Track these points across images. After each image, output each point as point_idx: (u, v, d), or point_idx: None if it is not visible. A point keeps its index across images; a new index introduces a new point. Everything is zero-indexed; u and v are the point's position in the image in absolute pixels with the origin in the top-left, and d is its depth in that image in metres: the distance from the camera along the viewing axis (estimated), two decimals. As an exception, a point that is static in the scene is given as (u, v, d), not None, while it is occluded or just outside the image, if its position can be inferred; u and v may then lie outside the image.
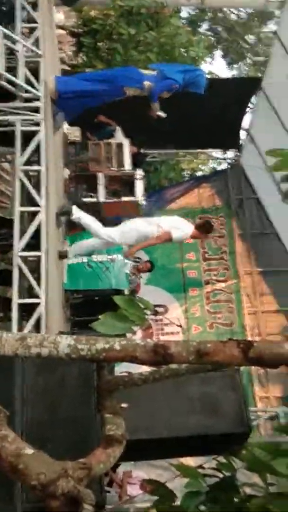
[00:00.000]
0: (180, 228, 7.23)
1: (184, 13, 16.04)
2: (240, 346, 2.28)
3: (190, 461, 5.59)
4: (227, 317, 10.51)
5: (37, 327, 5.12)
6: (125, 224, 7.38)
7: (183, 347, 2.33)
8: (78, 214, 7.18)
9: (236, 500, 2.44)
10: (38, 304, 5.15)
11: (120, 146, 8.98)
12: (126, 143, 9.00)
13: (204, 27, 17.58)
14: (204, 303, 10.56)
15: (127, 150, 8.96)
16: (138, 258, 10.45)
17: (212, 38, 17.64)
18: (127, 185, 8.84)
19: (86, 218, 7.26)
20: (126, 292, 7.93)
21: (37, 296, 5.20)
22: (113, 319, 2.57)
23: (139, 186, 8.72)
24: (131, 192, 8.75)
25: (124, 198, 8.69)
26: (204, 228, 7.53)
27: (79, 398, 3.22)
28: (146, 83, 6.86)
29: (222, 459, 2.73)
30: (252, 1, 15.00)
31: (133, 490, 7.13)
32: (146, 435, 3.46)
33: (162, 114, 7.27)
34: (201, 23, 16.90)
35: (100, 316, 2.59)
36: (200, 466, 2.67)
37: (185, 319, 10.32)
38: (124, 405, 2.56)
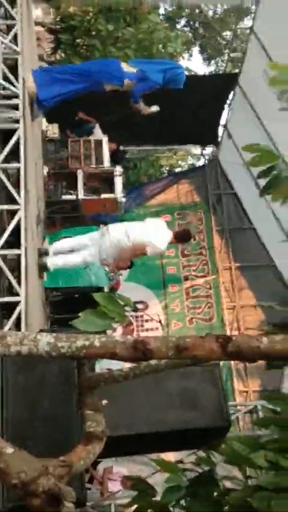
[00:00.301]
0: (159, 235, 6.85)
1: (161, 10, 16.08)
2: (218, 341, 2.30)
3: (171, 456, 5.63)
4: (207, 312, 10.58)
5: (17, 326, 5.10)
6: (98, 243, 6.98)
7: (162, 342, 2.35)
8: (52, 262, 6.92)
9: (215, 494, 2.47)
10: (18, 302, 5.13)
11: (99, 143, 8.97)
12: (105, 140, 9.00)
13: (181, 23, 17.62)
14: (184, 299, 10.61)
15: (106, 147, 8.96)
16: None
17: (190, 34, 17.69)
18: (107, 182, 8.84)
19: (60, 260, 7.00)
20: (106, 289, 7.94)
21: (17, 295, 5.18)
22: (93, 316, 2.58)
23: (118, 183, 8.72)
24: (111, 189, 8.74)
25: (104, 195, 8.68)
26: (181, 237, 7.27)
27: (60, 395, 3.24)
28: (126, 81, 6.84)
29: (201, 453, 2.76)
30: (229, -2, 15.09)
31: (114, 486, 7.15)
32: (126, 431, 3.49)
33: (154, 109, 7.27)
34: (179, 19, 16.93)
35: (80, 314, 2.60)
36: (180, 461, 2.70)
37: (165, 315, 10.36)
38: (104, 402, 2.58)
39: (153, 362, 2.49)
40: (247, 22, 12.69)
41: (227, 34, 17.32)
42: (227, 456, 2.35)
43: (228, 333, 10.24)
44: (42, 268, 6.94)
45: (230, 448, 2.31)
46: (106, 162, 8.83)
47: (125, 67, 6.94)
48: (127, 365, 2.65)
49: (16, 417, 3.23)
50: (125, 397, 3.51)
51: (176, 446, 4.16)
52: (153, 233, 6.78)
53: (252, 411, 8.47)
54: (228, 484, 2.62)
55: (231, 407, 7.33)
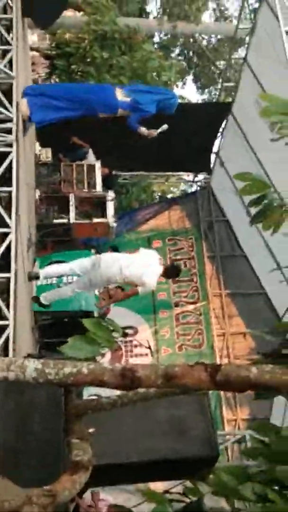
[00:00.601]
0: (150, 272, 6.68)
1: (156, 38, 16.33)
2: (207, 370, 2.29)
3: (159, 485, 5.55)
4: (196, 339, 10.53)
5: (5, 349, 5.06)
6: (89, 274, 6.88)
7: (151, 370, 2.34)
8: (45, 298, 7.01)
9: (202, 525, 2.43)
10: (6, 326, 5.10)
11: (91, 167, 9.02)
12: (97, 164, 9.05)
13: (176, 52, 17.88)
14: (174, 325, 10.57)
15: (99, 172, 9.01)
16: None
17: (184, 63, 17.93)
18: (99, 206, 8.87)
19: (51, 296, 7.08)
20: (95, 314, 7.90)
21: (5, 318, 5.15)
22: (81, 342, 2.56)
23: (110, 208, 8.76)
24: (102, 214, 8.77)
25: (95, 220, 8.70)
26: (170, 273, 7.21)
27: (47, 422, 3.19)
28: (120, 111, 7.00)
29: (189, 483, 2.72)
30: (223, 28, 15.36)
31: (101, 514, 7.02)
32: (113, 459, 3.44)
33: (162, 129, 7.31)
34: (173, 48, 17.18)
35: (68, 339, 2.58)
36: (167, 491, 2.66)
37: (155, 341, 10.31)
38: (91, 430, 2.55)
39: (141, 390, 2.47)
40: (241, 52, 12.92)
41: (221, 63, 17.58)
42: (215, 487, 2.32)
43: (217, 360, 10.20)
44: (34, 299, 6.99)
45: (218, 479, 2.27)
46: (99, 187, 8.88)
47: (119, 95, 7.02)
48: (116, 392, 2.62)
49: (1, 444, 3.18)
50: (113, 424, 3.47)
51: (164, 475, 4.10)
52: (145, 268, 6.63)
53: (240, 440, 8.39)
54: (215, 515, 2.58)
55: (220, 436, 7.26)
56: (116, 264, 6.65)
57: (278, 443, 2.31)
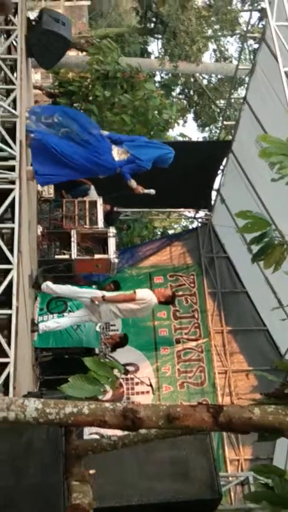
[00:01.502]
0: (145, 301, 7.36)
1: (157, 78, 16.61)
2: (210, 411, 2.27)
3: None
4: (198, 376, 10.44)
5: (5, 386, 5.01)
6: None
7: (152, 411, 2.31)
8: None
9: None
10: (7, 363, 5.05)
11: (93, 204, 9.07)
12: (99, 201, 9.11)
13: (177, 91, 18.15)
14: (175, 362, 10.49)
15: (101, 208, 9.05)
16: (113, 325, 10.37)
17: (185, 102, 18.20)
18: (100, 242, 8.89)
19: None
20: (96, 351, 7.85)
21: (6, 355, 5.10)
22: (82, 382, 2.55)
23: (112, 244, 8.77)
24: (104, 250, 8.78)
25: (97, 256, 8.71)
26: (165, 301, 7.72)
27: (47, 464, 3.14)
28: (118, 170, 7.42)
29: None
30: (223, 68, 15.64)
31: None
32: (115, 502, 3.37)
33: (149, 191, 7.73)
34: (174, 87, 17.44)
35: (69, 378, 2.56)
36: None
37: (156, 378, 10.21)
38: (92, 471, 2.51)
39: (143, 431, 2.44)
40: (241, 92, 13.13)
41: (221, 102, 17.83)
42: (218, 532, 2.27)
43: (219, 398, 10.09)
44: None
45: (221, 524, 2.23)
46: (100, 223, 8.91)
47: (116, 154, 7.37)
48: (117, 431, 2.59)
49: (0, 485, 3.13)
50: (114, 465, 3.41)
51: (165, 518, 4.01)
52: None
53: (243, 482, 8.23)
54: None
55: (222, 478, 7.13)
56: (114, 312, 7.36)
57: (282, 486, 2.28)
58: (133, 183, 7.58)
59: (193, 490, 3.54)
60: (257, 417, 2.20)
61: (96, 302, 7.23)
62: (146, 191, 7.69)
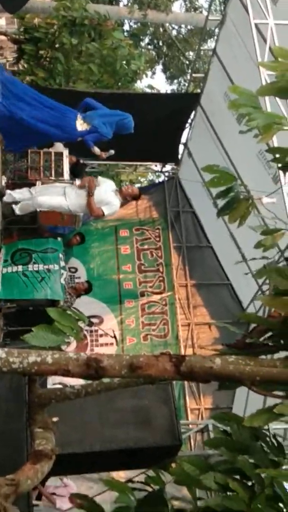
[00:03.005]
0: (109, 203, 7.75)
1: (126, 27, 16.23)
2: (172, 360, 2.31)
3: (122, 473, 5.58)
4: (161, 329, 10.58)
5: None
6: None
7: (115, 361, 2.34)
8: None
9: (164, 514, 2.45)
10: None
11: (59, 155, 8.93)
12: (65, 152, 8.96)
13: (145, 41, 17.79)
14: (139, 315, 10.59)
15: (67, 160, 8.92)
16: (74, 268, 10.41)
17: (153, 53, 17.87)
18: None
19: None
20: (61, 303, 7.86)
21: None
22: (46, 332, 2.55)
23: (78, 196, 8.67)
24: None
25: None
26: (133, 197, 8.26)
27: (10, 411, 3.17)
28: (79, 139, 7.86)
29: (151, 472, 2.74)
30: (193, 19, 15.34)
31: (63, 503, 7.04)
32: (77, 448, 3.44)
33: (109, 153, 8.20)
34: (143, 37, 17.08)
35: (32, 328, 2.56)
36: (130, 480, 2.68)
37: (120, 330, 10.32)
38: (55, 419, 2.55)
39: (105, 380, 2.48)
40: (210, 43, 12.95)
41: (190, 54, 17.57)
42: (177, 476, 2.34)
43: (182, 350, 10.27)
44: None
45: (180, 469, 2.30)
46: (66, 175, 8.79)
47: (80, 125, 7.77)
48: (80, 381, 2.62)
49: None
50: (77, 414, 3.47)
51: (127, 464, 4.12)
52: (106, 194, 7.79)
53: (203, 430, 8.47)
54: (177, 504, 2.61)
55: (183, 426, 7.32)
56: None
57: (239, 433, 2.35)
58: (96, 150, 8.00)
59: (155, 437, 3.63)
60: (218, 367, 2.25)
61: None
62: (106, 154, 8.14)
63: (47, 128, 7.53)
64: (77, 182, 8.01)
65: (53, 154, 8.91)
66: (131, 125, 8.16)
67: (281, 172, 5.98)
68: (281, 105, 6.06)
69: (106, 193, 7.78)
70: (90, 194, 7.69)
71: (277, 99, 5.83)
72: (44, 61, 10.90)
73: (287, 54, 2.53)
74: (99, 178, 8.15)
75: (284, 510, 2.19)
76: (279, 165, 2.97)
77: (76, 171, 9.48)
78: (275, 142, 5.28)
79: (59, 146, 9.22)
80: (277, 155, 2.91)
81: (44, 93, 8.75)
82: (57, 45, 10.60)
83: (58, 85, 10.47)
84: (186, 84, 15.06)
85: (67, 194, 7.79)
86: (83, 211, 7.93)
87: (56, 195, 7.81)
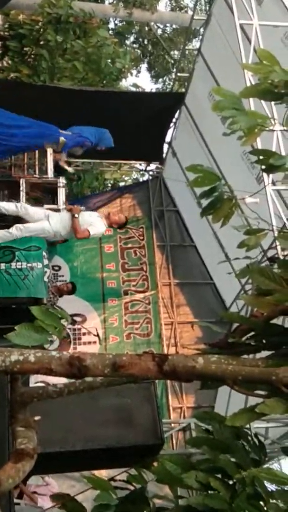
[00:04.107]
0: (94, 225, 7.66)
1: (111, 25, 16.20)
2: (155, 360, 2.31)
3: (104, 472, 5.58)
4: (145, 328, 10.59)
5: None
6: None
7: (98, 360, 2.34)
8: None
9: (145, 512, 2.46)
10: None
11: (43, 153, 8.88)
12: (49, 150, 8.92)
13: (130, 39, 17.78)
14: (122, 314, 10.60)
15: (51, 158, 8.88)
16: (58, 266, 10.38)
17: (138, 51, 17.86)
18: (50, 192, 8.74)
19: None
20: (44, 301, 7.83)
21: None
22: (29, 330, 2.54)
23: (62, 194, 8.66)
24: (53, 200, 8.66)
25: (46, 206, 8.59)
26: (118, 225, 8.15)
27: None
28: (61, 139, 7.98)
29: (133, 471, 2.75)
30: (178, 18, 15.37)
31: (45, 502, 7.02)
32: (59, 447, 3.44)
33: (69, 169, 8.56)
34: (128, 35, 17.08)
35: (15, 327, 2.55)
36: (112, 479, 2.68)
37: (103, 329, 10.32)
38: (37, 418, 2.54)
39: (88, 379, 2.48)
40: (195, 43, 12.97)
41: (175, 53, 17.58)
42: (159, 475, 2.35)
43: (165, 349, 10.29)
44: None
45: (162, 467, 2.31)
46: (50, 173, 8.75)
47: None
48: (63, 380, 2.62)
49: None
50: (59, 413, 3.46)
51: (109, 463, 4.13)
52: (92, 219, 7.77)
53: (185, 428, 8.50)
54: (159, 502, 2.62)
55: (165, 425, 7.34)
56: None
57: (221, 432, 2.36)
58: (63, 157, 8.33)
59: (137, 436, 3.64)
60: (201, 366, 2.26)
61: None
62: (67, 167, 8.47)
63: (30, 142, 7.80)
64: (62, 208, 8.03)
65: (37, 151, 8.87)
66: (110, 140, 8.35)
67: (264, 173, 6.02)
68: (265, 106, 6.09)
69: (91, 216, 7.80)
70: (74, 216, 7.63)
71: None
72: (29, 58, 10.85)
73: (270, 56, 2.55)
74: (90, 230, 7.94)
75: (265, 508, 2.21)
76: (263, 166, 2.99)
77: (61, 169, 9.45)
78: (259, 143, 5.31)
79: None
80: (261, 157, 2.93)
81: (29, 90, 8.82)
82: (41, 42, 10.56)
83: (43, 82, 10.42)
84: (171, 83, 15.09)
85: (50, 216, 7.68)
86: (67, 233, 7.80)
87: (39, 220, 7.72)
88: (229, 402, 8.21)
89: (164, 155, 11.53)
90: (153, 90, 17.81)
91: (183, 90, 10.54)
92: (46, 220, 7.66)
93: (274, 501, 2.22)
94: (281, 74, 2.55)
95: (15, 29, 10.84)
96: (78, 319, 9.99)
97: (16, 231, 7.58)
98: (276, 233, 3.77)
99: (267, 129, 2.72)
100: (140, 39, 17.94)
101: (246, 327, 2.63)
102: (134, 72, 17.74)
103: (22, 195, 8.49)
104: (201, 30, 9.71)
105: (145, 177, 12.62)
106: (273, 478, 2.13)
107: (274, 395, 2.28)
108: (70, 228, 7.64)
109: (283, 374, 2.24)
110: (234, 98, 2.60)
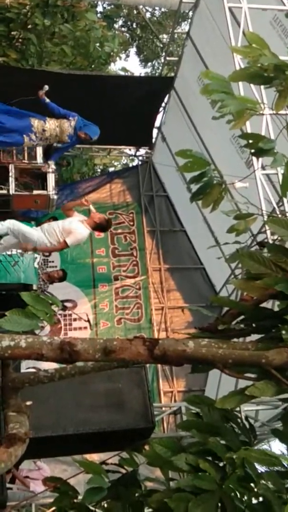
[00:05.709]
0: (74, 232, 7.28)
1: (99, 8, 16.03)
2: (145, 344, 2.33)
3: (95, 456, 5.62)
4: (135, 313, 10.63)
5: None
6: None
7: (89, 344, 2.35)
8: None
9: (137, 495, 2.49)
10: None
11: (31, 138, 8.82)
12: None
13: (119, 23, 17.61)
14: (113, 299, 10.62)
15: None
16: (51, 261, 10.33)
17: (127, 35, 17.71)
18: (39, 178, 8.72)
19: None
20: (34, 287, 7.84)
21: None
22: (19, 316, 2.55)
23: (51, 180, 8.63)
24: (43, 186, 8.64)
25: (36, 191, 8.56)
26: (100, 227, 7.67)
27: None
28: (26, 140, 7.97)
29: (125, 454, 2.77)
30: (167, 1, 15.22)
31: (37, 485, 7.07)
32: (51, 432, 3.46)
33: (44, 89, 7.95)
34: (117, 19, 16.91)
35: (6, 313, 2.56)
36: (104, 462, 2.71)
37: (94, 314, 10.33)
38: (28, 403, 2.55)
39: (79, 364, 2.49)
40: (184, 26, 12.87)
41: (164, 37, 17.45)
42: (150, 458, 2.38)
43: (156, 334, 10.33)
44: None
45: (152, 451, 2.33)
46: (39, 158, 8.71)
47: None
48: (54, 365, 2.63)
49: None
50: (51, 397, 3.48)
51: (101, 447, 4.16)
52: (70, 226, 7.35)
53: (176, 412, 8.57)
54: (150, 485, 2.65)
55: (156, 408, 7.39)
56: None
57: (210, 415, 2.38)
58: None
59: (128, 420, 3.67)
60: (191, 350, 2.28)
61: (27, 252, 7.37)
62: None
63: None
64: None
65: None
66: (96, 133, 8.19)
67: (254, 158, 6.01)
68: (254, 90, 6.08)
69: (71, 223, 7.36)
70: None
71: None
72: (16, 42, 10.72)
73: (260, 40, 2.54)
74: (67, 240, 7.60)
75: (255, 489, 2.24)
76: (252, 150, 2.99)
77: (49, 155, 9.40)
78: (248, 127, 5.30)
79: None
80: (250, 141, 2.93)
81: (17, 74, 8.73)
82: (29, 26, 10.43)
83: (31, 66, 10.32)
84: (160, 67, 14.99)
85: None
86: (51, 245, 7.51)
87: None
88: (219, 385, 8.28)
89: (153, 140, 11.49)
90: (142, 74, 17.72)
91: (172, 74, 10.48)
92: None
93: (264, 482, 2.25)
94: (270, 57, 2.55)
95: (2, 13, 10.68)
96: (68, 304, 10.00)
97: (8, 224, 7.36)
98: (265, 218, 3.78)
99: (256, 113, 2.71)
100: (129, 23, 17.79)
101: (236, 311, 2.65)
102: (123, 56, 17.60)
103: (11, 180, 8.46)
104: (190, 13, 9.64)
105: (135, 162, 12.59)
106: (263, 458, 2.16)
107: (264, 378, 2.30)
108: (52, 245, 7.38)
109: (273, 357, 2.27)
110: (223, 82, 2.59)
